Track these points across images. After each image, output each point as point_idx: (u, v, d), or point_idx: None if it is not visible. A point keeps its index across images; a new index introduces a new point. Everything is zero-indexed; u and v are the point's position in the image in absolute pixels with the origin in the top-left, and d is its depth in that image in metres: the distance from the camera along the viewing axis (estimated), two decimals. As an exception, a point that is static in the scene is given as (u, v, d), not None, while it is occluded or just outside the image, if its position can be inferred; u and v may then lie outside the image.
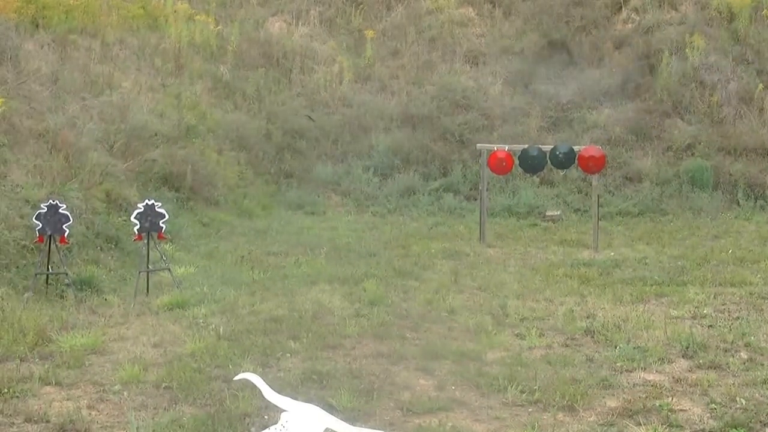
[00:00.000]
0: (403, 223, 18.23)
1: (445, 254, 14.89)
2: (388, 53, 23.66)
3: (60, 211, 11.74)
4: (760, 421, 6.97)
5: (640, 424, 6.90)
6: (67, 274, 11.77)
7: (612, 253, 15.18)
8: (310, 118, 21.45)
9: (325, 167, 20.62)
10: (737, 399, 7.48)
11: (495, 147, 16.70)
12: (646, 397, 7.56)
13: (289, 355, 8.92)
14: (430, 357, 8.86)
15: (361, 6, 24.77)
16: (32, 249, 12.36)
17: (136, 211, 12.03)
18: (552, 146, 16.69)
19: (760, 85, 21.41)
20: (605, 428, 6.90)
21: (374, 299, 11.24)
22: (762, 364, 8.55)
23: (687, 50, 22.30)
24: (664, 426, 6.87)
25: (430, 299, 11.47)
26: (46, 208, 11.73)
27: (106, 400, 7.71)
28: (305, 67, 22.88)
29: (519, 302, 11.40)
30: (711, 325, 10.18)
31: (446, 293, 11.84)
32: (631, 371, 8.41)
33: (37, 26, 19.09)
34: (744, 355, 8.92)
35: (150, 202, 12.09)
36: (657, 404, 7.35)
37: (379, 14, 24.81)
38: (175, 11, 23.59)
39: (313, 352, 9.00)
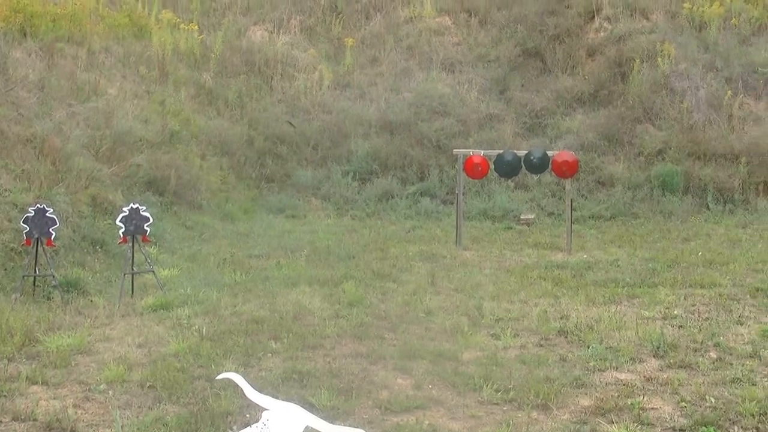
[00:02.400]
0: (381, 227, 18.44)
1: (422, 257, 15.12)
2: (367, 61, 23.86)
3: (47, 214, 11.95)
4: (729, 419, 7.26)
5: (613, 422, 7.18)
6: (53, 276, 11.95)
7: (585, 256, 15.44)
8: (290, 124, 21.65)
9: (306, 172, 20.82)
10: (707, 397, 7.78)
11: (471, 152, 16.93)
12: (618, 395, 7.84)
13: (270, 355, 9.17)
14: (408, 357, 9.10)
15: (341, 15, 24.98)
16: (20, 252, 12.57)
17: (121, 215, 12.22)
18: (526, 151, 16.93)
19: (729, 92, 21.68)
20: (578, 426, 7.18)
21: (353, 301, 11.49)
22: (731, 364, 8.83)
23: (658, 58, 22.53)
24: (636, 424, 7.15)
25: (408, 301, 11.72)
26: (33, 212, 11.94)
27: (92, 399, 7.96)
28: (286, 75, 23.08)
29: (494, 303, 11.65)
30: (681, 326, 10.46)
31: (423, 295, 12.09)
32: (603, 371, 8.69)
33: (24, 35, 19.22)
34: (713, 354, 9.20)
35: (135, 206, 12.30)
36: (629, 403, 7.62)
37: (359, 23, 25.01)
38: (159, 20, 23.81)
39: (293, 352, 9.25)
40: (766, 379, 8.32)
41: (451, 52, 24.18)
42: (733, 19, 23.42)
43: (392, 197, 20.33)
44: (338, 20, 24.88)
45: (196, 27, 23.93)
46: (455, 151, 17.52)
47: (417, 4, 25.35)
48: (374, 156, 21.17)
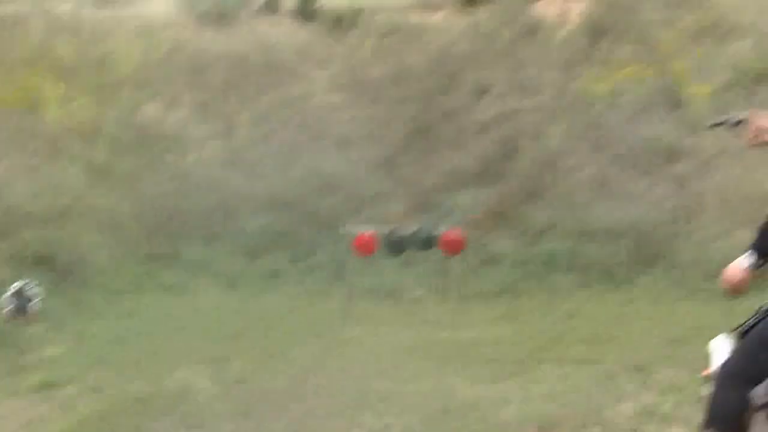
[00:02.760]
0: (269, 304, 18.45)
1: (310, 335, 15.18)
2: (259, 137, 23.96)
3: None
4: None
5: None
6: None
7: (471, 333, 15.56)
8: (183, 199, 21.62)
9: (195, 248, 20.79)
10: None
11: (360, 229, 17.09)
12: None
13: (155, 435, 9.15)
14: (294, 436, 9.16)
15: (234, 91, 25.07)
16: None
17: (8, 292, 12.13)
18: (415, 229, 17.14)
19: (615, 170, 22.16)
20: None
21: (241, 379, 11.50)
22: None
23: (545, 136, 22.97)
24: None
25: (296, 378, 11.75)
26: None
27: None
28: (178, 151, 23.08)
29: (380, 382, 11.73)
30: (565, 403, 10.60)
31: (311, 373, 12.13)
32: (485, 449, 8.81)
33: None
34: (597, 431, 9.37)
35: (23, 283, 12.21)
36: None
37: (251, 99, 25.14)
38: (52, 95, 23.65)
39: (179, 431, 9.23)
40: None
41: (342, 129, 24.39)
42: (620, 97, 23.96)
43: (281, 274, 20.36)
44: (231, 97, 24.96)
45: (90, 102, 23.81)
46: (344, 228, 17.65)
47: (309, 81, 25.58)
48: (263, 233, 21.22)
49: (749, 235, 15.99)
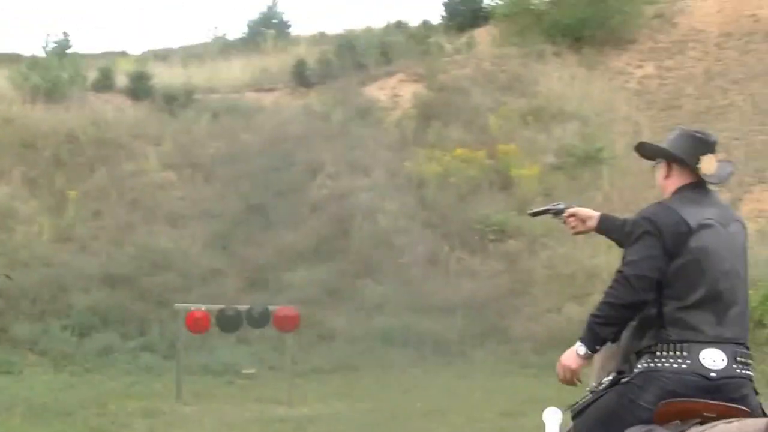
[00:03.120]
0: (100, 382, 18.06)
1: (141, 413, 14.92)
2: (90, 214, 23.61)
3: None
4: None
5: None
6: None
7: (306, 410, 15.57)
8: (8, 277, 21.08)
9: (23, 326, 20.24)
10: None
11: (192, 306, 16.95)
12: None
13: None
14: None
15: (65, 167, 24.69)
16: None
17: None
18: (248, 306, 17.09)
19: (446, 248, 22.52)
20: None
21: (71, 458, 11.25)
22: None
23: (378, 214, 23.21)
24: None
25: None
26: None
27: None
28: (5, 226, 22.55)
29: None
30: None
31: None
32: None
33: None
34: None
35: None
36: None
37: (82, 175, 24.78)
38: None
39: None
40: None
41: (175, 206, 24.23)
42: (452, 177, 24.40)
43: (112, 352, 19.98)
44: (62, 172, 24.56)
45: None
46: (176, 305, 17.49)
47: (142, 159, 25.38)
48: (95, 310, 20.83)
49: (577, 309, 16.54)
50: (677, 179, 5.22)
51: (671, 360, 4.83)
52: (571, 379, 5.15)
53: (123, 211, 23.78)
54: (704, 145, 5.16)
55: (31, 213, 22.86)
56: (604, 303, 4.96)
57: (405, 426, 13.87)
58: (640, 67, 31.09)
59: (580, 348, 5.05)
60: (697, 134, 5.26)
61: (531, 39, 31.58)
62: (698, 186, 5.17)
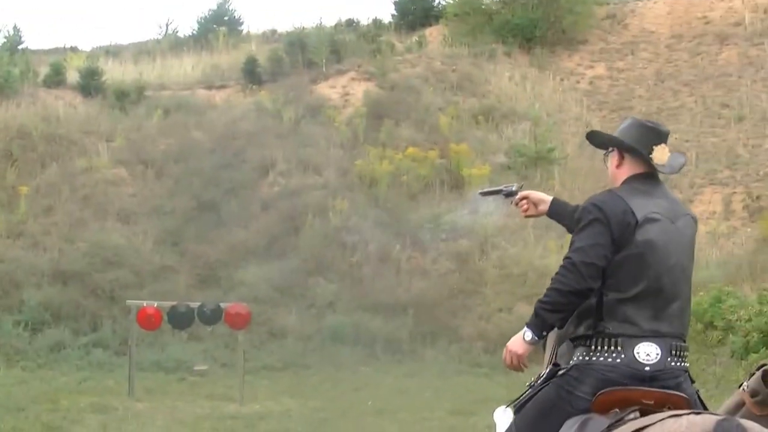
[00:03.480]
0: (52, 378, 17.98)
1: (94, 409, 14.86)
2: (42, 210, 23.48)
3: None
4: None
5: None
6: None
7: (257, 407, 15.59)
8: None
9: (-24, 321, 20.16)
10: None
11: (144, 303, 16.95)
12: None
13: None
14: None
15: (16, 162, 24.54)
16: None
17: None
18: (200, 303, 17.11)
19: (397, 247, 22.62)
20: None
21: (22, 454, 11.24)
22: None
23: (329, 213, 23.28)
24: None
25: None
26: None
27: None
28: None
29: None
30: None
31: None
32: None
33: None
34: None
35: None
36: None
37: (34, 171, 24.65)
38: None
39: None
40: None
41: (127, 203, 24.17)
42: (403, 176, 24.50)
43: (64, 348, 19.90)
44: (13, 168, 24.41)
45: None
46: (128, 302, 17.48)
47: (93, 155, 25.29)
48: (47, 306, 20.72)
49: (528, 309, 16.58)
50: (629, 168, 5.26)
51: (605, 354, 4.90)
52: (518, 364, 5.20)
53: (75, 207, 23.67)
54: (656, 135, 5.22)
55: (-17, 209, 22.75)
56: (551, 289, 5.01)
57: (355, 424, 13.95)
58: (591, 67, 31.40)
59: (527, 334, 5.10)
60: (649, 124, 5.30)
61: (482, 39, 31.81)
62: (649, 177, 5.22)
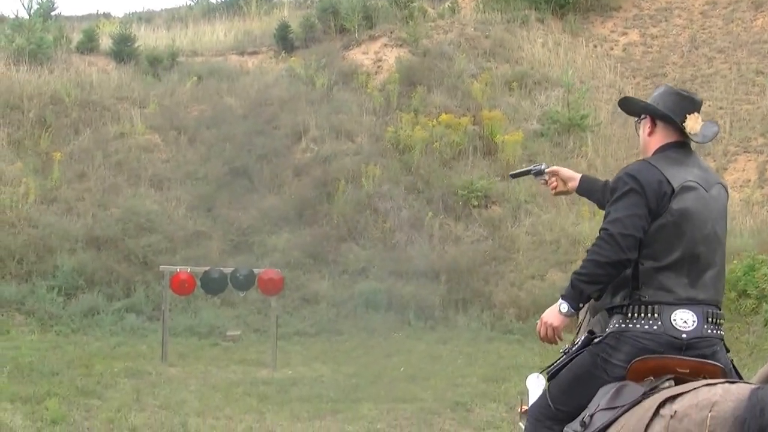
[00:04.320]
0: (86, 343, 18.09)
1: (127, 373, 14.97)
2: (75, 176, 23.56)
3: None
4: None
5: None
6: None
7: (290, 372, 15.67)
8: (-3, 237, 21.12)
9: (9, 287, 20.24)
10: None
11: (177, 269, 17.02)
12: None
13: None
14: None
15: (50, 129, 24.61)
16: None
17: None
18: (233, 269, 17.16)
19: (430, 213, 22.59)
20: None
21: (56, 418, 11.31)
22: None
23: (362, 179, 23.25)
24: None
25: (112, 418, 11.63)
26: None
27: None
28: (-8, 187, 22.52)
29: (199, 420, 11.72)
30: (384, 439, 10.84)
31: (128, 412, 12.03)
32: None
33: None
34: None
35: None
36: None
37: (67, 137, 24.73)
38: None
39: (-7, 472, 9.05)
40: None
41: (160, 169, 24.21)
42: (436, 143, 24.44)
43: (98, 313, 19.98)
44: (47, 134, 24.49)
45: None
46: (162, 267, 17.55)
47: (126, 121, 25.35)
48: (80, 271, 20.82)
49: (560, 276, 16.65)
50: (661, 137, 5.27)
51: (642, 321, 4.92)
52: (553, 336, 5.26)
53: (108, 173, 23.75)
54: (690, 103, 5.21)
55: (17, 174, 22.80)
56: (588, 261, 5.03)
57: (387, 390, 13.97)
58: (625, 34, 31.15)
59: (563, 306, 5.13)
60: (682, 92, 5.29)
61: (515, 5, 31.60)
62: (682, 145, 5.23)
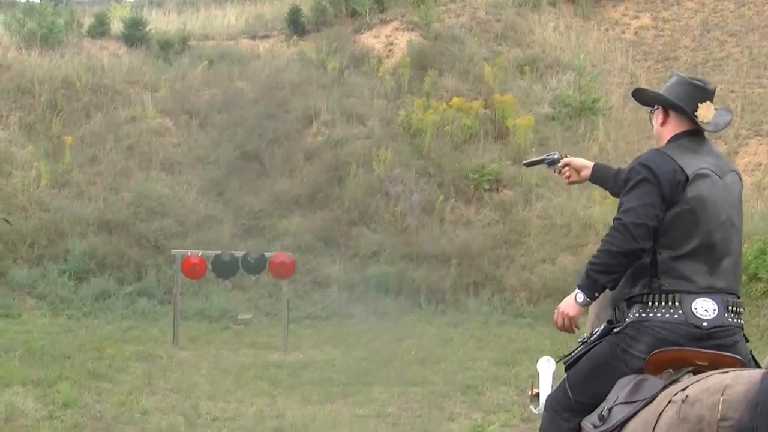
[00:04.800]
0: (97, 326, 18.12)
1: (138, 357, 14.98)
2: (86, 160, 23.56)
3: None
4: None
5: None
6: None
7: (301, 355, 15.67)
8: (6, 221, 21.10)
9: (21, 270, 20.29)
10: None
11: (189, 252, 17.03)
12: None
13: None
14: (123, 457, 9.10)
15: (61, 113, 24.62)
16: None
17: None
18: (244, 252, 17.16)
19: (441, 197, 22.58)
20: None
21: (68, 401, 11.32)
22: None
23: (373, 163, 23.22)
24: None
25: (124, 401, 11.64)
26: None
27: None
28: (3, 171, 22.48)
29: (211, 403, 11.73)
30: (395, 423, 10.83)
31: (139, 395, 12.05)
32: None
33: None
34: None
35: None
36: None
37: (79, 121, 24.73)
38: None
39: (4, 455, 9.07)
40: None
41: (171, 153, 24.21)
42: (447, 126, 24.40)
43: (109, 297, 20.03)
44: (58, 118, 24.50)
45: None
46: (173, 251, 17.56)
47: (138, 105, 25.34)
48: (91, 255, 20.85)
49: (571, 260, 16.60)
50: (674, 126, 5.26)
51: (663, 310, 4.89)
52: (569, 326, 5.24)
53: (119, 157, 23.76)
54: (702, 92, 5.20)
55: (28, 158, 22.82)
56: (602, 251, 5.02)
57: (398, 373, 13.98)
58: (637, 17, 31.05)
59: (579, 295, 5.14)
60: (695, 81, 5.27)
61: (526, -12, 31.51)
62: (695, 134, 5.21)
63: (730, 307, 4.92)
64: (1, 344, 15.40)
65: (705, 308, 4.84)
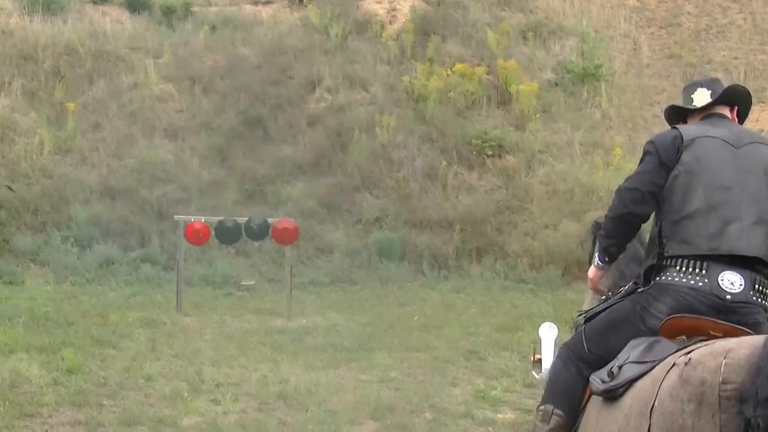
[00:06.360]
0: (101, 293, 18.19)
1: (142, 323, 15.04)
2: (89, 126, 23.53)
3: None
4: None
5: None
6: None
7: (304, 321, 15.73)
8: (9, 188, 21.11)
9: (24, 237, 20.32)
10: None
11: (192, 218, 17.05)
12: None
13: (-16, 424, 8.99)
14: (127, 424, 9.14)
15: (64, 79, 24.57)
16: None
17: None
18: (247, 218, 17.18)
19: (444, 163, 22.55)
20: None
21: (72, 367, 11.37)
22: (445, 424, 9.27)
23: (377, 129, 23.19)
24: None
25: (128, 367, 11.70)
26: None
27: None
28: (6, 139, 22.48)
29: (214, 369, 11.78)
30: (398, 388, 10.88)
31: (143, 361, 12.10)
32: (322, 435, 8.94)
33: None
34: (428, 415, 9.63)
35: None
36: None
37: (81, 88, 24.66)
38: None
39: (9, 420, 9.10)
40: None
41: (174, 119, 24.16)
42: (450, 92, 24.34)
43: (113, 263, 20.05)
44: (61, 85, 24.45)
45: None
46: (176, 217, 17.57)
47: (141, 71, 25.26)
48: (95, 222, 20.86)
49: (574, 226, 16.61)
50: (693, 122, 5.55)
51: (689, 276, 4.93)
52: (595, 287, 5.69)
53: (122, 123, 23.71)
54: (694, 84, 5.60)
55: (31, 125, 22.79)
56: (605, 216, 5.32)
57: (401, 339, 14.03)
58: (640, -17, 30.90)
59: (595, 259, 5.49)
60: (693, 80, 5.83)
61: (529, -48, 31.34)
62: (710, 116, 5.44)
63: (756, 285, 4.92)
64: (5, 311, 15.44)
65: (731, 281, 4.86)
